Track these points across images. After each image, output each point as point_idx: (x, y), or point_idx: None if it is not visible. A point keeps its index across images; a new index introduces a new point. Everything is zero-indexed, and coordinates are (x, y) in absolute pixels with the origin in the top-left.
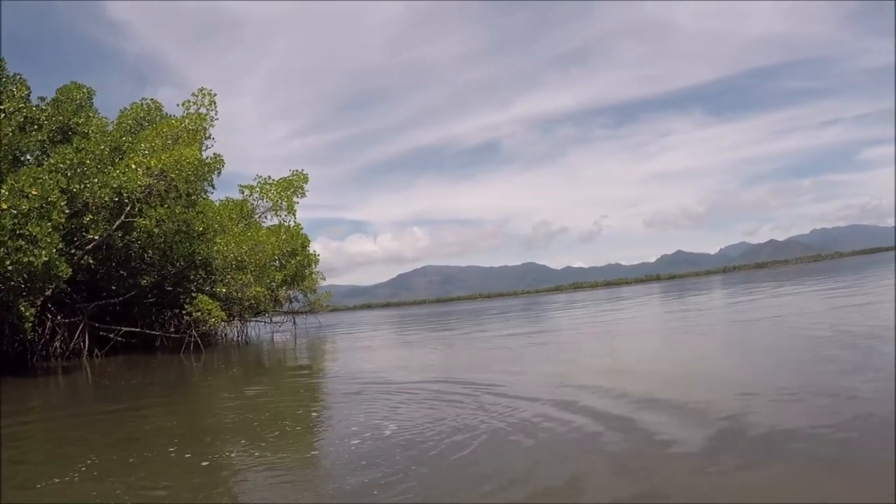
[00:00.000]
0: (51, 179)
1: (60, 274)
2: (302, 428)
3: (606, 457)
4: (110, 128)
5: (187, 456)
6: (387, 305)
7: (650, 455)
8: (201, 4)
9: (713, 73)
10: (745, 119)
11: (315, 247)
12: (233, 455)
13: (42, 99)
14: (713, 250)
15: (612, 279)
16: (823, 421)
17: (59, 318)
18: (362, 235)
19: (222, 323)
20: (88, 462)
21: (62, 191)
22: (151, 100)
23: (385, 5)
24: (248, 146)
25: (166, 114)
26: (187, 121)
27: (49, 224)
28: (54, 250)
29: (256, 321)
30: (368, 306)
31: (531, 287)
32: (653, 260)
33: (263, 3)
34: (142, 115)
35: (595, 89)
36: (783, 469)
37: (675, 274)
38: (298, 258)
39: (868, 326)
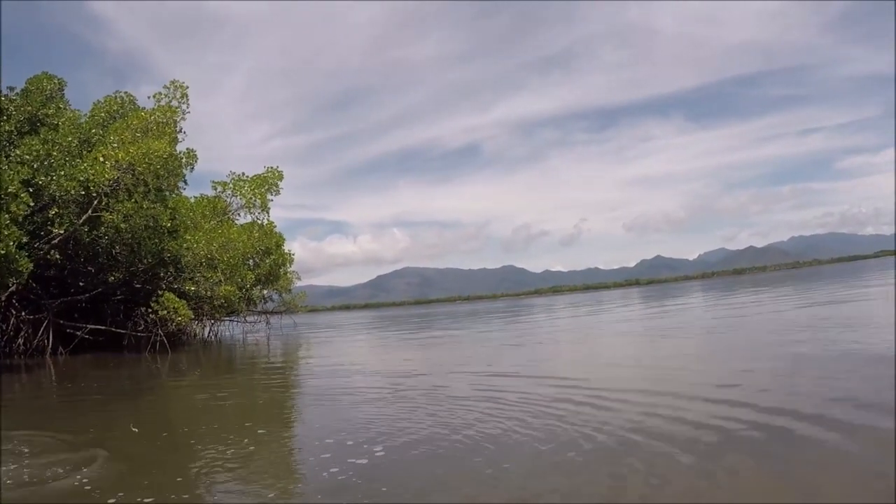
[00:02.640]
0: (11, 170)
1: (21, 269)
2: (256, 448)
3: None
4: (83, 120)
5: (88, 488)
6: (365, 307)
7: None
8: (183, 3)
9: (694, 80)
10: (725, 126)
11: (294, 247)
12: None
13: (11, 89)
14: (692, 256)
15: (591, 283)
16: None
17: (23, 314)
18: (342, 236)
19: (192, 322)
20: None
21: (26, 182)
22: (125, 93)
23: (367, 6)
24: (228, 145)
25: (140, 107)
26: (157, 113)
27: (7, 217)
28: (12, 244)
29: (230, 321)
30: (347, 307)
31: (510, 290)
32: (632, 264)
33: (245, 3)
34: (115, 108)
35: (577, 93)
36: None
37: (655, 279)
38: (273, 257)
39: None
